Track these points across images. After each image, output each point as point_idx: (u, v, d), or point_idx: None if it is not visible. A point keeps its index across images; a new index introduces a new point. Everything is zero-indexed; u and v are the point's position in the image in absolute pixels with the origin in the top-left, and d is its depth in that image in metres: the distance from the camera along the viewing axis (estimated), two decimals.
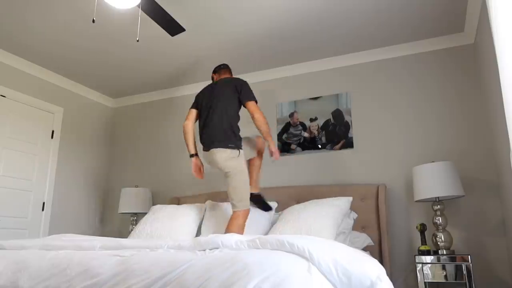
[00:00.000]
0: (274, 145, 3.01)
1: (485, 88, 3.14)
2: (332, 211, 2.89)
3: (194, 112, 3.13)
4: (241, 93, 2.96)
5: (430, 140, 3.43)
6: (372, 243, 3.06)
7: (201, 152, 3.03)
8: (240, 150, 2.87)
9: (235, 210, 2.82)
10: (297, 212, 2.99)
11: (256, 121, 2.91)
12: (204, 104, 3.05)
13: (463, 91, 3.41)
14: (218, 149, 2.83)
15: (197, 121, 3.14)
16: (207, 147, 2.90)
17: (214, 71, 3.30)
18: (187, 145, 3.09)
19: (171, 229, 3.19)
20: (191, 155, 3.08)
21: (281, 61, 4.01)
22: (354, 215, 3.10)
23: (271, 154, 3.03)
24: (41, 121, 4.14)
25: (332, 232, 2.75)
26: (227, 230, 2.76)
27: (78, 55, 3.87)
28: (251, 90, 3.00)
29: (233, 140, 2.87)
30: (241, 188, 2.83)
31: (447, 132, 3.39)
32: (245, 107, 2.98)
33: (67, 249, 1.84)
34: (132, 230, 4.05)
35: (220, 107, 2.94)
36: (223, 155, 2.82)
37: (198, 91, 4.46)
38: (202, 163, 3.12)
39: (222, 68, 3.28)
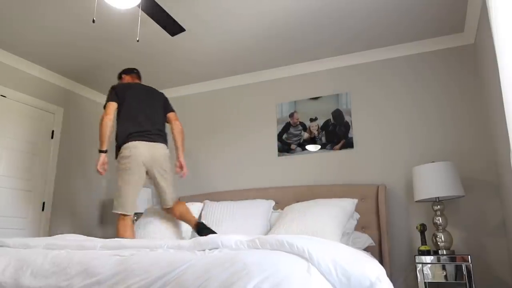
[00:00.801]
0: (183, 157, 3.13)
1: (485, 88, 3.14)
2: (336, 211, 2.89)
3: (115, 105, 3.03)
4: (166, 104, 3.22)
5: (430, 141, 3.43)
6: (373, 243, 3.06)
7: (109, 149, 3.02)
8: None
9: (175, 201, 3.05)
10: (301, 211, 2.97)
11: (178, 127, 3.14)
12: (136, 98, 3.04)
13: (463, 91, 3.41)
14: (163, 145, 3.00)
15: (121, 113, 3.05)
16: (150, 138, 2.93)
17: (126, 73, 3.31)
18: (103, 140, 2.93)
19: (166, 229, 3.20)
20: (103, 151, 2.95)
21: (281, 61, 4.01)
22: (357, 215, 3.11)
23: (180, 167, 3.09)
24: (41, 121, 4.14)
25: (338, 232, 2.75)
26: (190, 217, 2.98)
27: (78, 55, 3.87)
28: None
29: (167, 143, 3.07)
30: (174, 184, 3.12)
31: (447, 133, 3.39)
32: (165, 116, 3.17)
33: (68, 248, 1.85)
34: None
35: (156, 109, 3.09)
36: (165, 152, 2.99)
37: (199, 91, 4.52)
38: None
39: (135, 73, 3.34)
